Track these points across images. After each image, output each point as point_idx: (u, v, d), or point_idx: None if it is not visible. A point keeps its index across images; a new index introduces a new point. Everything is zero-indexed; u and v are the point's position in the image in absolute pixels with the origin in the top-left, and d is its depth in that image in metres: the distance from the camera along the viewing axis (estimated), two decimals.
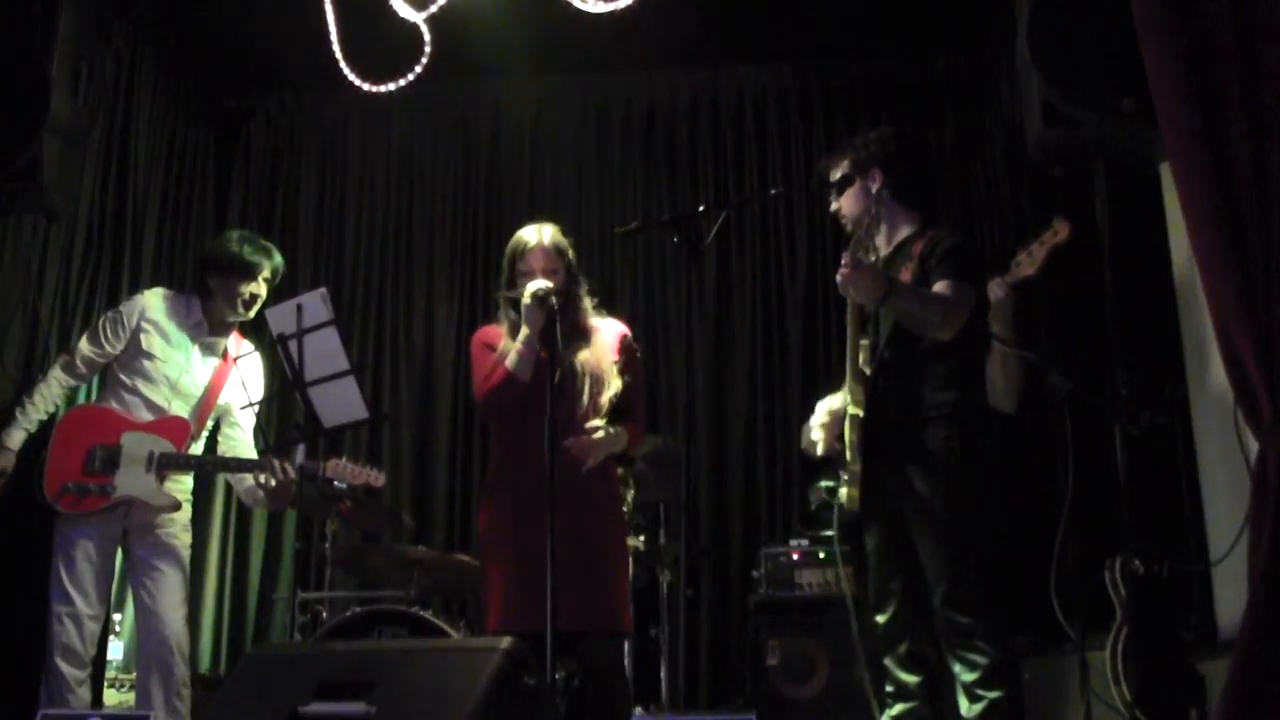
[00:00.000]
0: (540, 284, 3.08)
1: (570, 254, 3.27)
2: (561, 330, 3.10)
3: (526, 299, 3.07)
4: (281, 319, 3.27)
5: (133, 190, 4.80)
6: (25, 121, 3.50)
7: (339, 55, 3.59)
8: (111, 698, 4.24)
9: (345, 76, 3.44)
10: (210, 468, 3.95)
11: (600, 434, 3.09)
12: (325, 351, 3.23)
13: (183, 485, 3.88)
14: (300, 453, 3.49)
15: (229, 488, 5.23)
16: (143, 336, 3.82)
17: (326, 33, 3.41)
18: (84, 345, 3.83)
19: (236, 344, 4.01)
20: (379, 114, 5.65)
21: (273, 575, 5.19)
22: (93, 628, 3.70)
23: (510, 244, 3.27)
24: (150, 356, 3.82)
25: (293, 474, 3.67)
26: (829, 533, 4.24)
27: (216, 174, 5.61)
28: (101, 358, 3.84)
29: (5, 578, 3.92)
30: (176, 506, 3.81)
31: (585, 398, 3.14)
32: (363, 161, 5.70)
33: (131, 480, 3.72)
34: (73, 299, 4.44)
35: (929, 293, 2.98)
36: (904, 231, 3.19)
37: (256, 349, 4.00)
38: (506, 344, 3.19)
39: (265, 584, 5.18)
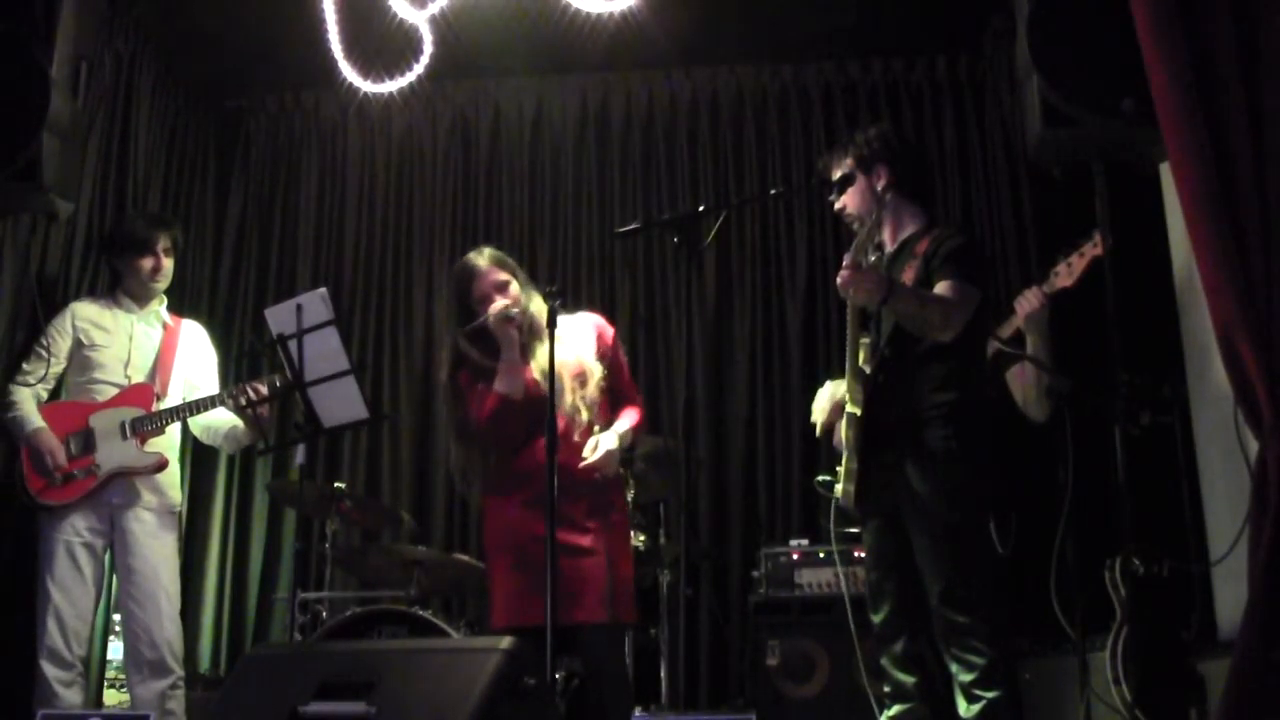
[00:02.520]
0: (499, 306, 3.16)
1: (511, 264, 3.32)
2: (553, 329, 3.10)
3: (493, 323, 3.15)
4: (281, 319, 3.27)
5: (133, 190, 4.80)
6: (25, 121, 3.49)
7: (339, 55, 3.59)
8: (111, 698, 4.25)
9: (345, 76, 3.44)
10: (184, 415, 3.97)
11: (599, 452, 3.11)
12: (325, 351, 3.24)
13: (165, 443, 3.95)
14: (300, 452, 3.50)
15: (229, 489, 5.25)
16: (82, 336, 3.95)
17: (326, 33, 3.41)
18: (29, 366, 3.89)
19: (174, 321, 4.17)
20: (379, 114, 5.65)
21: (273, 575, 5.18)
22: (78, 627, 3.72)
23: (452, 278, 3.34)
24: (95, 347, 3.94)
25: (264, 390, 3.80)
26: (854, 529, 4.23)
27: (216, 174, 5.62)
28: (50, 368, 3.90)
29: (4, 581, 3.93)
30: (163, 464, 3.90)
31: (570, 396, 3.17)
32: (363, 161, 5.69)
33: (112, 452, 3.81)
34: (72, 299, 4.43)
35: (929, 294, 2.97)
36: (909, 229, 3.19)
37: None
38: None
39: (265, 584, 5.18)
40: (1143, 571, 3.40)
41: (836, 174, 3.24)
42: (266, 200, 5.67)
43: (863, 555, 4.13)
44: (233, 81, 5.58)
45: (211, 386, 4.12)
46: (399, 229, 5.61)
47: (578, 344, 3.28)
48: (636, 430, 3.30)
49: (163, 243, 4.06)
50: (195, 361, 4.14)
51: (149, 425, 3.87)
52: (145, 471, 3.86)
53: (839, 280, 2.94)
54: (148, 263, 4.03)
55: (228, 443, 4.11)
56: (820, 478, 3.32)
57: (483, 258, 3.28)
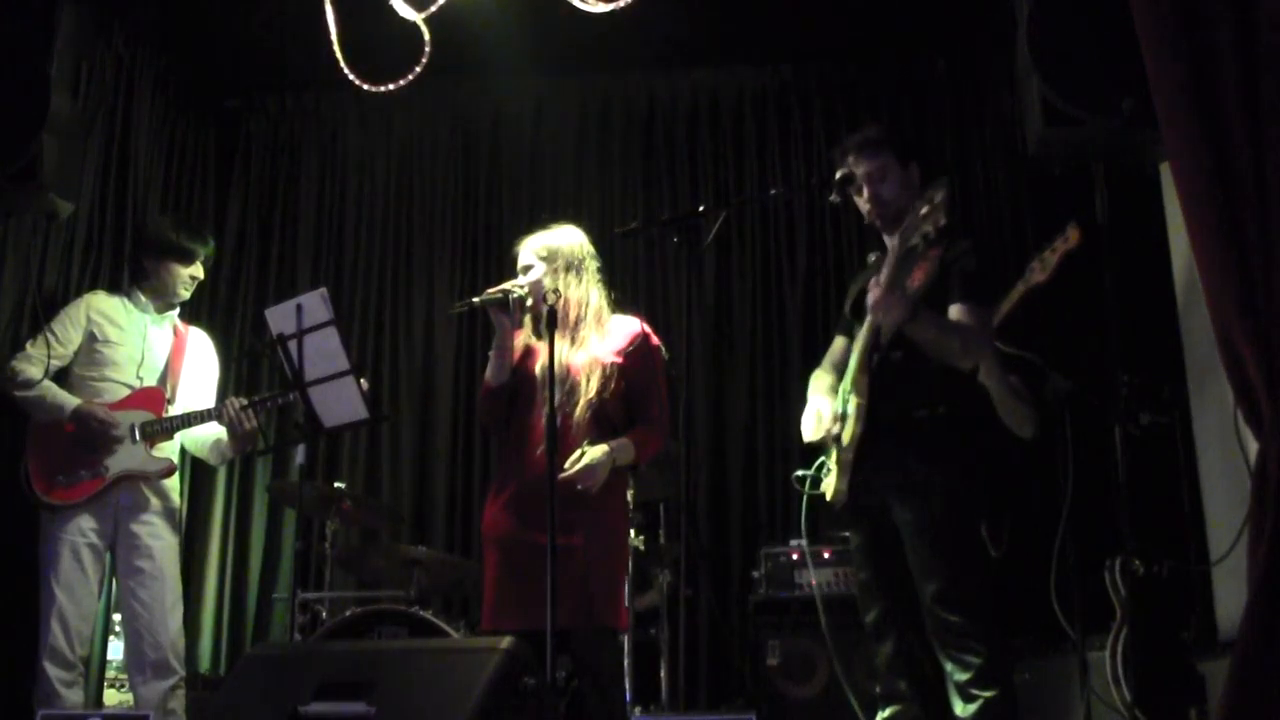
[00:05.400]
0: (492, 291, 3.15)
1: (556, 252, 3.24)
2: (553, 329, 3.07)
3: (478, 303, 3.16)
4: (281, 319, 3.27)
5: (133, 190, 4.80)
6: (25, 121, 3.49)
7: (339, 55, 3.59)
8: (111, 698, 4.25)
9: (345, 76, 3.44)
10: (192, 422, 3.96)
11: (580, 464, 3.02)
12: (325, 351, 3.24)
13: (169, 445, 3.97)
14: (300, 452, 3.50)
15: (229, 489, 5.25)
16: (95, 329, 3.93)
17: (326, 33, 3.41)
18: (33, 351, 3.84)
19: (184, 326, 4.18)
20: (379, 114, 5.65)
21: (273, 575, 5.19)
22: (80, 628, 3.72)
23: None
24: (108, 343, 3.93)
25: (245, 408, 3.81)
26: (844, 534, 4.23)
27: (216, 174, 5.61)
28: (56, 359, 3.86)
29: (8, 579, 3.93)
30: (172, 470, 3.91)
31: (571, 395, 3.10)
32: (363, 161, 5.70)
33: (121, 455, 3.80)
34: (73, 299, 4.44)
35: (949, 322, 2.95)
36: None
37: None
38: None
39: (265, 584, 5.18)
40: (1143, 571, 3.40)
41: (864, 165, 3.16)
42: (266, 200, 5.67)
43: (829, 556, 4.15)
44: (232, 81, 5.59)
45: (210, 397, 4.11)
46: (399, 229, 5.61)
47: (604, 344, 3.20)
48: (643, 449, 3.17)
49: (201, 255, 4.09)
50: (199, 371, 4.14)
51: (158, 429, 3.87)
52: (155, 476, 3.85)
53: (870, 299, 2.95)
54: (186, 271, 4.05)
55: (213, 454, 4.08)
56: (799, 473, 3.30)
57: (526, 236, 3.32)
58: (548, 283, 3.19)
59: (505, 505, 3.14)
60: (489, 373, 3.23)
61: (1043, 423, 3.78)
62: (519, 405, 3.21)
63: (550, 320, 3.02)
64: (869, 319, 3.06)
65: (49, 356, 3.83)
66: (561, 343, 3.12)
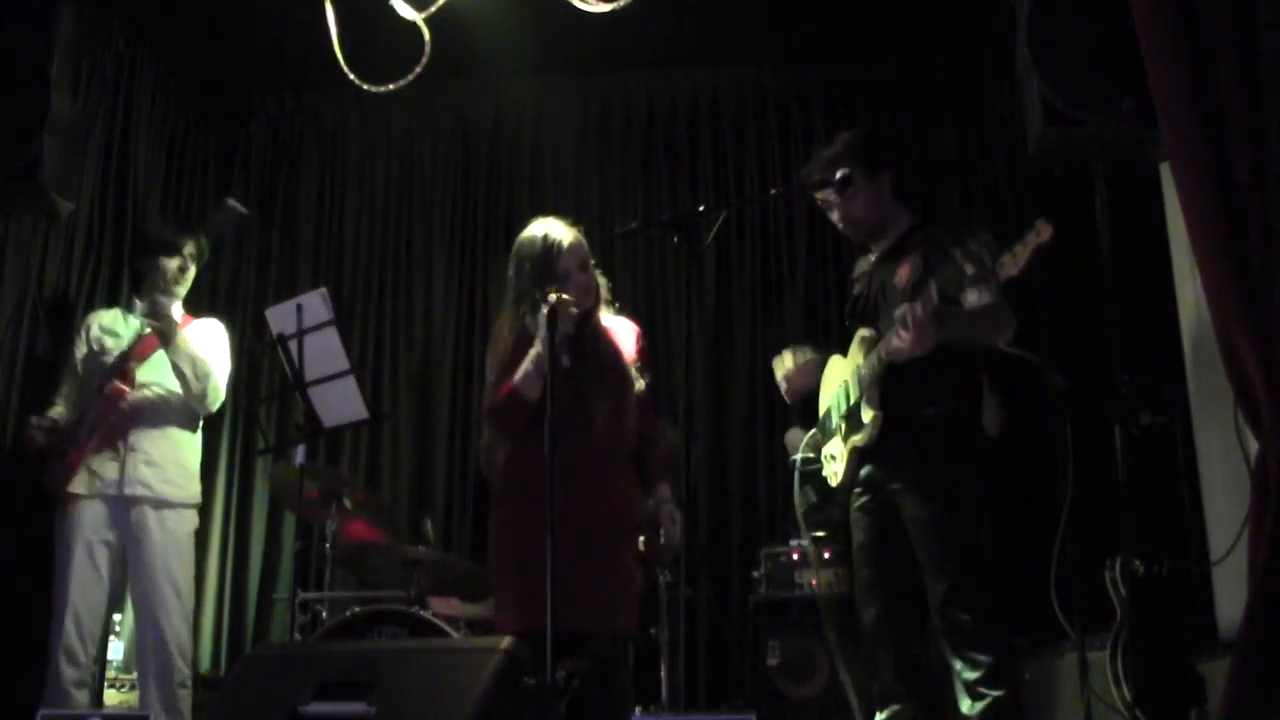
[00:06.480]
0: (563, 297, 2.88)
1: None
2: (587, 329, 3.05)
3: (544, 310, 2.85)
4: (281, 319, 3.28)
5: (133, 190, 4.80)
6: (25, 121, 3.50)
7: (339, 55, 3.59)
8: (111, 698, 4.25)
9: (345, 76, 3.44)
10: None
11: (676, 529, 3.15)
12: (325, 351, 3.24)
13: (184, 437, 4.01)
14: (300, 453, 3.50)
15: (229, 489, 5.25)
16: (94, 344, 3.99)
17: (326, 33, 3.42)
18: (65, 391, 3.98)
19: (185, 320, 4.14)
20: (379, 114, 5.65)
21: (273, 575, 5.19)
22: (93, 628, 3.72)
23: (535, 242, 3.06)
24: (107, 353, 3.97)
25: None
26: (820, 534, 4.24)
27: (216, 173, 5.61)
28: (69, 389, 4.00)
29: (10, 578, 3.94)
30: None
31: (610, 398, 3.05)
32: (363, 161, 5.69)
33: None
34: (73, 299, 4.44)
35: (966, 312, 2.92)
36: (900, 227, 3.17)
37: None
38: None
39: (265, 584, 5.18)
40: (1143, 571, 3.40)
41: (838, 174, 3.18)
42: (266, 200, 5.67)
43: (829, 556, 4.14)
44: (233, 81, 5.58)
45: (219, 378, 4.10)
46: (399, 229, 5.61)
47: (623, 349, 3.17)
48: (659, 445, 3.27)
49: (189, 247, 4.06)
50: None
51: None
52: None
53: (896, 342, 2.85)
54: (173, 263, 4.02)
55: (182, 367, 3.96)
56: (797, 456, 3.29)
57: (569, 229, 3.06)
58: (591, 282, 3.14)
59: (536, 506, 2.94)
60: (526, 386, 2.95)
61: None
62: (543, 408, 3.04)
63: (551, 322, 2.99)
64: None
65: (67, 388, 3.98)
66: (598, 342, 3.12)
